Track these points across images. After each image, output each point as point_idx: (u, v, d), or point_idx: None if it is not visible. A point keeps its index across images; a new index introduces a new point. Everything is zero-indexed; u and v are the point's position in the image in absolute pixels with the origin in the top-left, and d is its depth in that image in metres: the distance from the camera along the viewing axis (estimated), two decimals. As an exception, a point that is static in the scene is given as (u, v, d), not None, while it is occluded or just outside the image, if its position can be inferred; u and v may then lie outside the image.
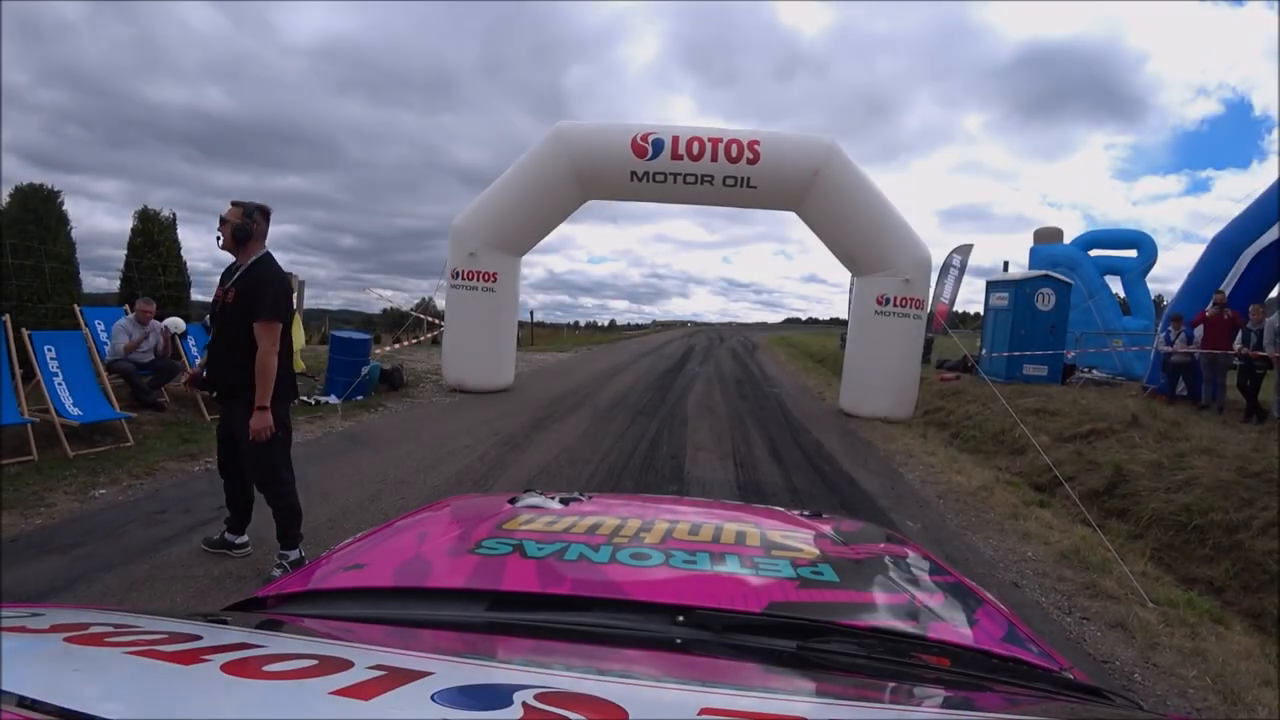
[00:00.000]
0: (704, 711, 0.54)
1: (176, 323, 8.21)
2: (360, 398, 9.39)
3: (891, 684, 0.78)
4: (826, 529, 1.36)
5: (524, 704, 0.50)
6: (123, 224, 11.52)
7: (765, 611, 0.89)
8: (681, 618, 0.86)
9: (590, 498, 1.46)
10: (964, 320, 18.73)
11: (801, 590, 0.98)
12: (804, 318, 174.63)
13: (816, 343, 35.91)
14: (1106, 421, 8.11)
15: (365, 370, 9.68)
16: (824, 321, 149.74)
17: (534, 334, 27.15)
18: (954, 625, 0.95)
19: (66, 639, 0.61)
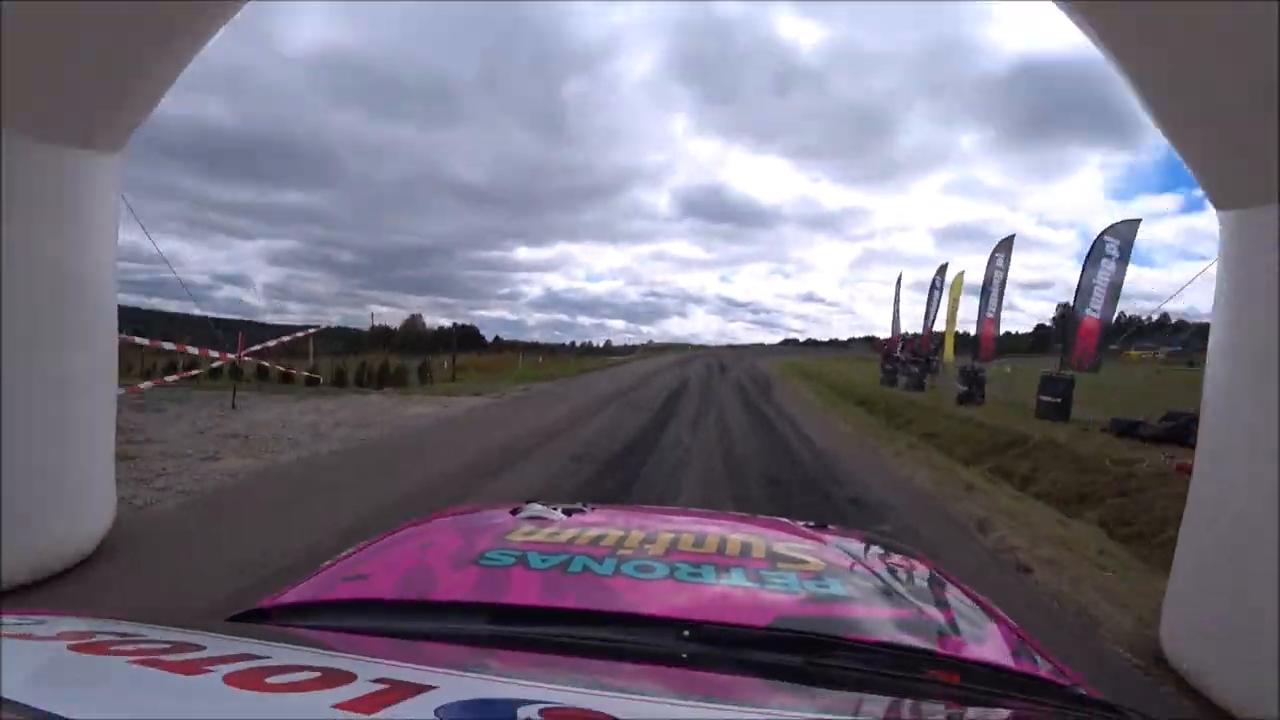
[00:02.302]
0: None
1: None
2: None
3: (900, 700, 0.76)
4: (832, 541, 1.29)
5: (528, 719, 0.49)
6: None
7: (771, 626, 0.87)
8: (687, 632, 0.84)
9: (593, 508, 1.42)
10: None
11: (808, 604, 0.95)
12: (802, 339, 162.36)
13: (836, 371, 27.60)
14: None
15: None
16: (824, 343, 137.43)
17: (464, 365, 19.58)
18: (964, 640, 0.92)
19: (71, 647, 0.60)
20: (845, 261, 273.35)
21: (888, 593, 1.04)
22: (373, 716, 0.47)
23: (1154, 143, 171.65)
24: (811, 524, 1.46)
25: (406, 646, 0.78)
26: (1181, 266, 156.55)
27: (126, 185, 3.86)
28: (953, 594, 1.12)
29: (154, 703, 0.50)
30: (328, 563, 1.17)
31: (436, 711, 0.49)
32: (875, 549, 1.30)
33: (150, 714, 0.48)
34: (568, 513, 1.34)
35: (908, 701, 0.76)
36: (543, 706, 0.52)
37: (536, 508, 1.35)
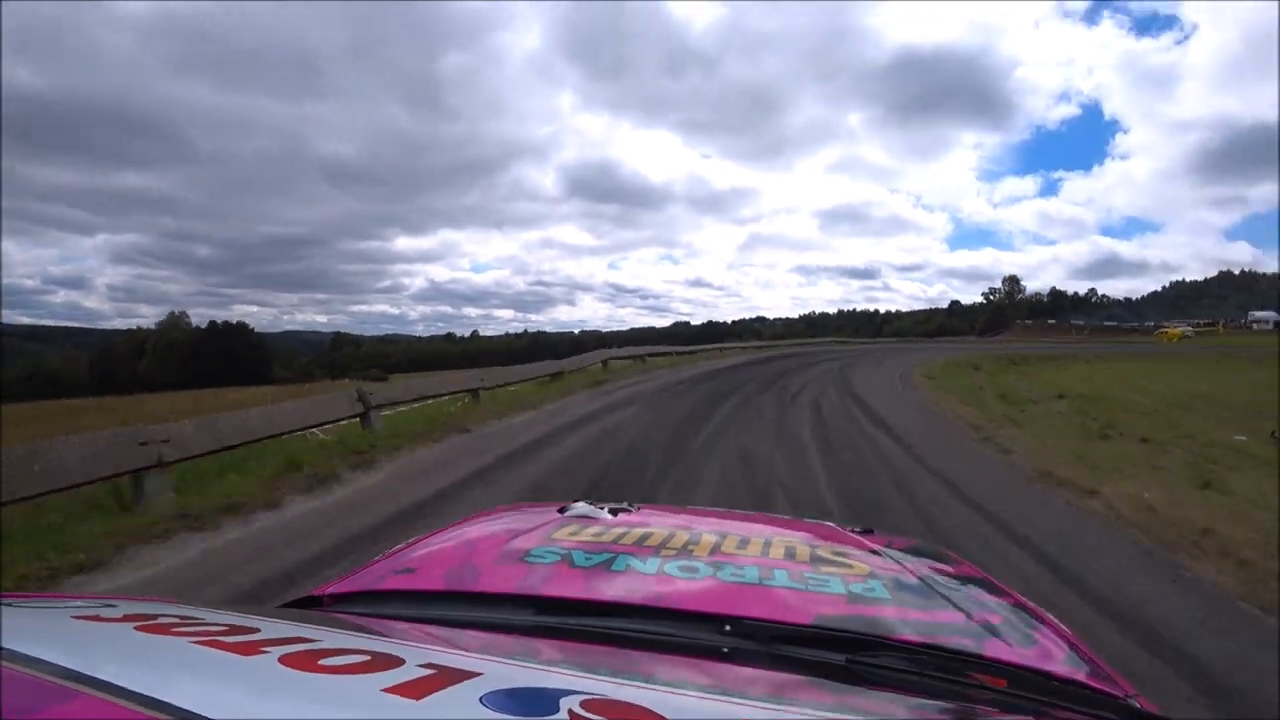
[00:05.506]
0: None
1: None
2: None
3: (944, 703, 0.74)
4: (878, 546, 1.26)
5: (570, 711, 0.50)
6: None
7: (814, 624, 0.85)
8: (728, 627, 0.84)
9: (638, 508, 1.42)
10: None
11: (852, 604, 0.92)
12: (694, 321, 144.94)
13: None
14: None
15: None
16: (722, 325, 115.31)
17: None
18: (1012, 645, 0.88)
19: (137, 628, 0.63)
20: (732, 245, 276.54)
21: (934, 596, 1.00)
22: (420, 702, 0.49)
23: (1022, 123, 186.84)
24: (857, 529, 1.43)
25: (452, 634, 0.80)
26: (1033, 250, 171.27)
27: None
28: (1002, 600, 1.06)
29: (213, 680, 0.52)
30: (379, 556, 1.18)
31: (482, 699, 0.50)
32: (922, 555, 1.26)
33: (209, 690, 0.49)
34: (614, 512, 1.34)
35: (952, 705, 0.74)
36: (584, 697, 0.53)
37: (583, 506, 1.34)
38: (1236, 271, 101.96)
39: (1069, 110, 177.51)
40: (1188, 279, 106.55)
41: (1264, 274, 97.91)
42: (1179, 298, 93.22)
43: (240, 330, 68.93)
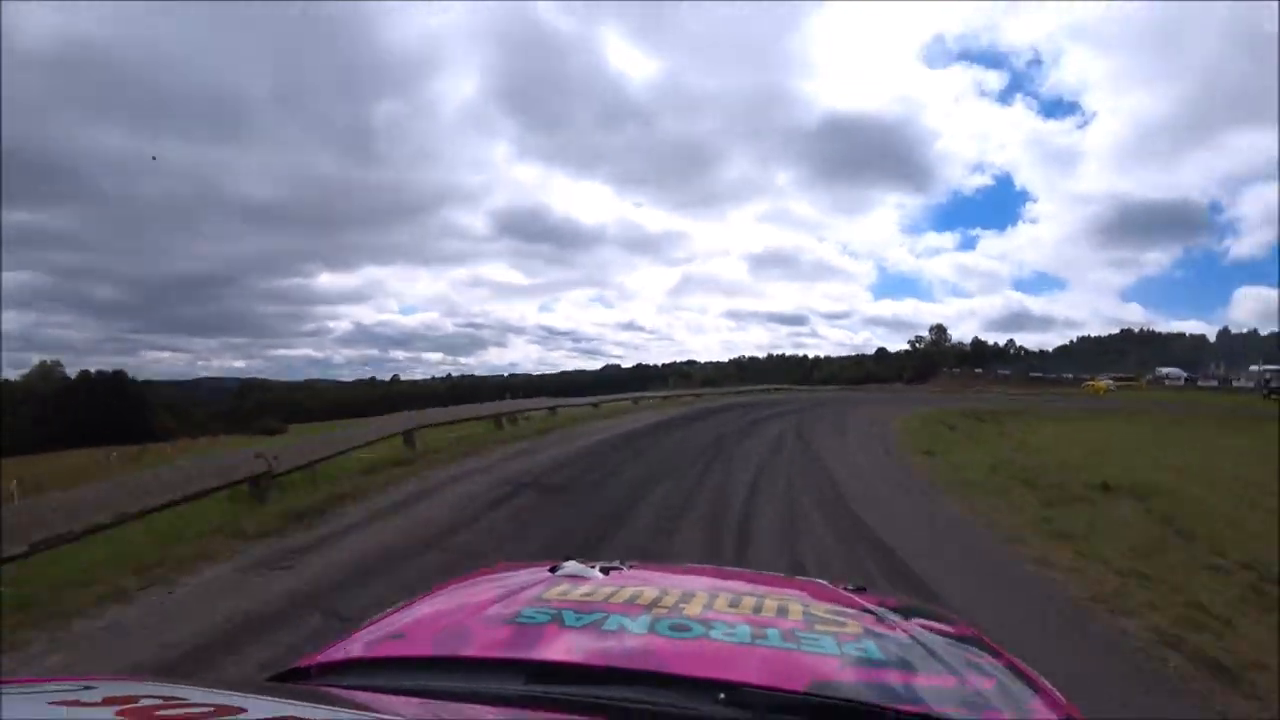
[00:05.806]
0: None
1: None
2: None
3: None
4: (871, 604, 1.25)
5: None
6: None
7: (808, 690, 0.86)
8: (722, 695, 0.83)
9: (631, 566, 1.42)
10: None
11: (846, 668, 0.93)
12: (624, 364, 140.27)
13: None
14: None
15: None
16: (651, 367, 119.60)
17: None
18: (1006, 713, 0.89)
19: (118, 712, 0.62)
20: (664, 288, 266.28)
21: (929, 659, 0.99)
22: None
23: (941, 188, 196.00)
24: (851, 586, 1.41)
25: (438, 707, 0.81)
26: (952, 302, 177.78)
27: None
28: (998, 664, 1.06)
29: None
30: (367, 621, 1.18)
31: None
32: (917, 614, 1.24)
33: None
34: (605, 571, 1.33)
35: None
36: None
37: (574, 565, 1.34)
38: (1136, 330, 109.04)
39: (984, 180, 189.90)
40: (1091, 334, 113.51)
41: (1159, 333, 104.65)
42: (1084, 353, 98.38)
43: (116, 381, 61.06)
